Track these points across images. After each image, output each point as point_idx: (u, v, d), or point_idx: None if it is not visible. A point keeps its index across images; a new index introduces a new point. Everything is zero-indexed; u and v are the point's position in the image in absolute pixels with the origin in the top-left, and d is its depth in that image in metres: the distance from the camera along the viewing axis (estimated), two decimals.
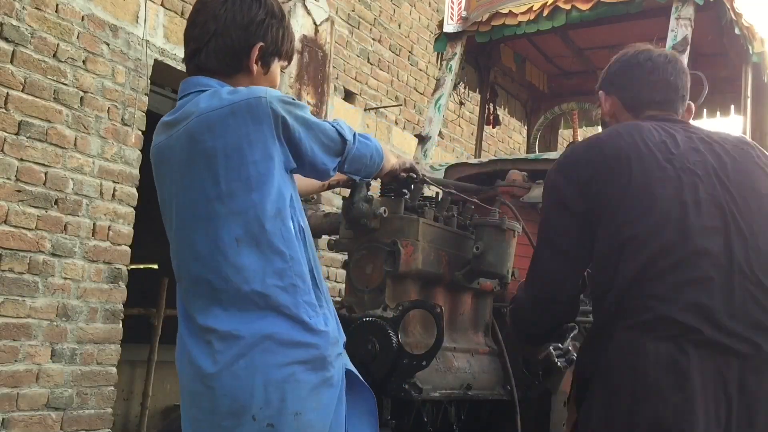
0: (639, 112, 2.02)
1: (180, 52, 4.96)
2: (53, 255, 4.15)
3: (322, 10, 2.85)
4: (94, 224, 4.38)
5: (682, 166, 1.79)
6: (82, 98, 4.33)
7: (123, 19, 4.61)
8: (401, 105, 7.32)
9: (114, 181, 4.50)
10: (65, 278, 4.20)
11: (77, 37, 4.33)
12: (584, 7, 3.68)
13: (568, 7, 3.73)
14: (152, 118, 5.17)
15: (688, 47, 3.38)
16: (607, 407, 1.67)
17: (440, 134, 4.78)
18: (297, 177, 1.81)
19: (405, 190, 2.37)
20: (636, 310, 1.68)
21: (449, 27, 4.11)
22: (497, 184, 3.17)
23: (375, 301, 2.29)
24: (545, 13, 3.80)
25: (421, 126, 4.83)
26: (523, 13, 3.87)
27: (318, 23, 2.82)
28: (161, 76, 5.09)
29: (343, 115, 6.49)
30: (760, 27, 3.94)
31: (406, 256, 2.27)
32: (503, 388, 2.61)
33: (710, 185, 1.77)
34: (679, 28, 3.42)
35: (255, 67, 1.78)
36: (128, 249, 4.60)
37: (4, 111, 3.96)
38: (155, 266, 13.19)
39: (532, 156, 3.73)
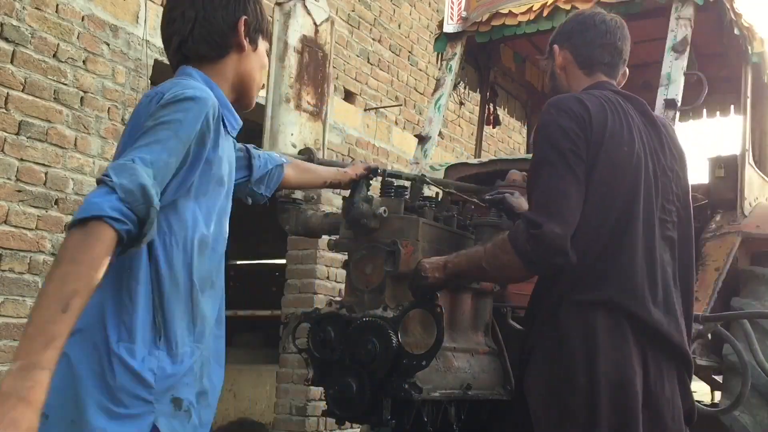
0: (589, 71, 2.21)
1: None
2: (53, 255, 4.15)
3: (322, 10, 2.85)
4: None
5: (641, 152, 2.03)
6: (82, 98, 4.33)
7: (123, 19, 4.61)
8: (401, 105, 7.32)
9: None
10: None
11: (77, 37, 4.33)
12: (584, 7, 3.68)
13: (568, 7, 3.73)
14: None
15: (688, 47, 3.38)
16: (567, 367, 1.90)
17: (440, 134, 4.78)
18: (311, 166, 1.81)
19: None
20: (589, 287, 1.93)
21: (449, 27, 4.11)
22: (497, 184, 3.17)
23: (375, 301, 2.30)
24: (545, 13, 3.80)
25: (421, 126, 4.83)
26: (523, 13, 3.87)
27: (318, 23, 2.82)
28: (161, 76, 5.09)
29: (343, 115, 6.50)
30: (759, 27, 3.95)
31: (406, 256, 2.27)
32: (503, 388, 2.61)
33: (657, 172, 2.06)
34: (679, 28, 3.42)
35: (245, 43, 1.73)
36: None
37: (5, 111, 3.96)
38: None
39: (532, 156, 3.73)
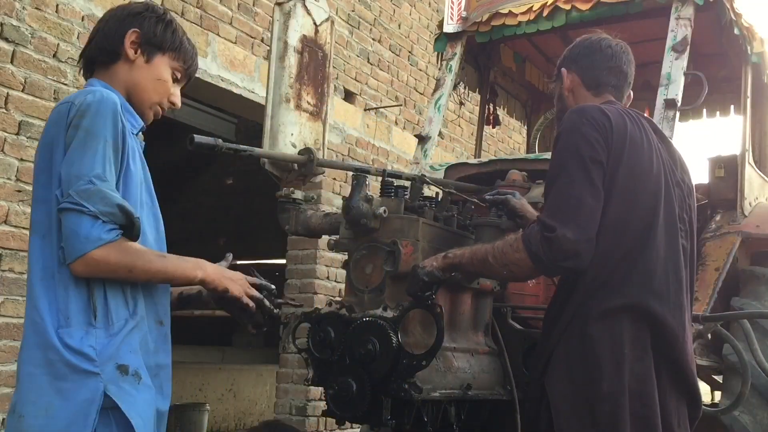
0: (596, 92, 2.29)
1: None
2: None
3: (322, 10, 2.85)
4: None
5: (659, 162, 2.10)
6: None
7: None
8: (401, 105, 7.32)
9: None
10: None
11: (77, 37, 4.33)
12: (584, 7, 3.68)
13: (568, 7, 3.73)
14: None
15: (688, 47, 3.38)
16: (593, 374, 1.95)
17: (440, 134, 4.78)
18: None
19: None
20: (613, 292, 1.99)
21: (449, 27, 4.11)
22: (497, 184, 3.17)
23: (375, 301, 2.30)
24: (545, 13, 3.80)
25: (421, 126, 4.83)
26: (523, 13, 3.87)
27: (318, 23, 2.82)
28: None
29: (343, 115, 6.50)
30: (759, 27, 3.94)
31: (406, 256, 2.27)
32: (503, 388, 2.61)
33: (672, 183, 2.14)
34: (679, 28, 3.42)
35: (131, 53, 1.83)
36: None
37: (5, 111, 3.96)
38: None
39: (532, 156, 3.73)
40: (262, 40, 5.63)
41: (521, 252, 1.99)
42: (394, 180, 2.55)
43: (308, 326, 2.37)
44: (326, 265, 6.16)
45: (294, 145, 2.72)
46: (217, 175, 12.23)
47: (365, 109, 6.84)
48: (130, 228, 1.64)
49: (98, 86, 1.77)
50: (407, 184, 2.61)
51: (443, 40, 4.16)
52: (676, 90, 3.27)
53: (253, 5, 5.67)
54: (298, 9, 2.74)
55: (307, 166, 2.68)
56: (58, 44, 4.22)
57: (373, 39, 7.01)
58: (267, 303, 2.04)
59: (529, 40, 4.49)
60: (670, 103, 3.24)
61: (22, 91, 4.04)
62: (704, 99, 3.42)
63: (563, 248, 1.92)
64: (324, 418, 5.98)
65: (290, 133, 2.73)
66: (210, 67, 5.20)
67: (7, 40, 3.98)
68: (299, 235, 2.95)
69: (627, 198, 2.01)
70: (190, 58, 1.95)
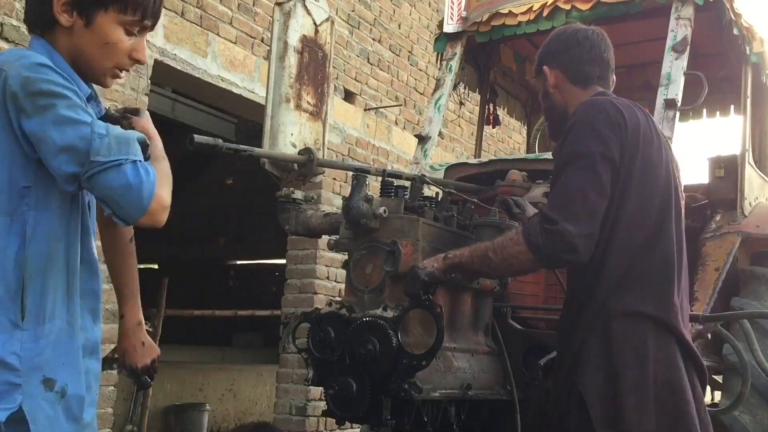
0: (584, 85, 2.26)
1: (180, 53, 4.96)
2: None
3: (322, 10, 2.85)
4: None
5: (665, 158, 2.14)
6: None
7: None
8: (401, 105, 7.32)
9: None
10: None
11: None
12: (584, 7, 3.68)
13: (568, 7, 3.73)
14: (152, 118, 5.16)
15: (688, 47, 3.38)
16: (617, 370, 1.97)
17: (440, 134, 4.77)
18: None
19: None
20: (632, 292, 2.02)
21: (449, 27, 4.11)
22: (497, 184, 3.17)
23: (375, 301, 2.30)
24: (545, 13, 3.80)
25: (421, 126, 4.83)
26: (523, 13, 3.87)
27: (318, 23, 2.82)
28: (161, 76, 5.09)
29: (343, 115, 6.50)
30: (759, 27, 3.94)
31: (406, 256, 2.27)
32: (503, 388, 2.61)
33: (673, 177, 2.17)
34: (679, 28, 3.42)
35: (63, 18, 1.56)
36: None
37: None
38: (155, 266, 13.22)
39: (532, 156, 3.73)
40: (262, 40, 5.63)
41: (521, 245, 2.01)
42: (394, 180, 2.55)
43: (308, 326, 2.37)
44: (326, 265, 6.16)
45: (294, 145, 2.73)
46: (217, 175, 12.24)
47: (365, 109, 6.84)
48: (144, 151, 1.55)
49: (38, 49, 1.57)
50: (407, 184, 2.61)
51: (443, 40, 4.16)
52: (676, 90, 3.27)
53: (253, 5, 5.67)
54: (298, 9, 2.74)
55: (307, 166, 2.68)
56: None
57: (373, 39, 7.01)
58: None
59: (529, 40, 4.48)
60: (670, 103, 3.24)
61: None
62: (704, 99, 3.42)
63: (564, 240, 1.94)
64: (324, 418, 5.98)
65: (290, 133, 2.73)
66: (210, 67, 5.20)
67: (7, 40, 3.98)
68: (299, 235, 2.95)
69: (644, 191, 2.04)
70: (142, 4, 1.61)
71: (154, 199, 1.48)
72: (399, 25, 7.40)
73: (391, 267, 2.27)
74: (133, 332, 1.98)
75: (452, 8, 4.11)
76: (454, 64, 4.06)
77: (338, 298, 2.53)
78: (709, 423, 2.10)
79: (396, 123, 7.28)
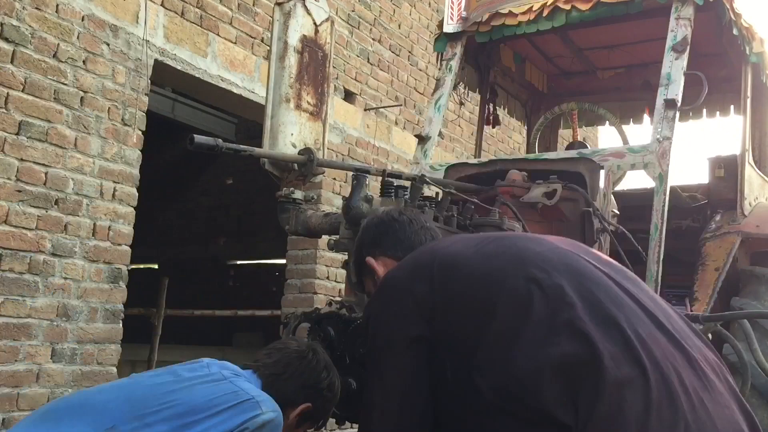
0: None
1: (180, 53, 4.96)
2: (53, 255, 4.15)
3: (322, 10, 2.85)
4: (94, 224, 4.38)
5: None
6: (82, 98, 4.33)
7: (123, 19, 4.61)
8: (401, 105, 7.32)
9: (114, 181, 4.50)
10: (65, 278, 4.20)
11: (77, 37, 4.33)
12: (584, 7, 3.68)
13: (567, 7, 3.73)
14: (152, 118, 5.18)
15: (688, 47, 3.38)
16: None
17: (440, 134, 4.77)
18: None
19: None
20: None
21: (449, 27, 4.11)
22: (497, 184, 3.17)
23: None
24: (545, 13, 3.80)
25: (421, 126, 4.83)
26: (523, 13, 3.87)
27: (318, 23, 2.82)
28: (161, 76, 5.09)
29: (343, 115, 6.50)
30: (759, 27, 3.94)
31: None
32: None
33: None
34: (679, 28, 3.42)
35: (294, 422, 1.98)
36: (128, 249, 4.60)
37: (5, 111, 3.96)
38: (155, 266, 13.22)
39: (532, 156, 3.73)
40: (262, 40, 5.63)
41: None
42: (394, 180, 2.55)
43: (308, 326, 2.37)
44: (326, 265, 6.16)
45: (294, 145, 2.73)
46: (217, 175, 12.23)
47: (365, 109, 6.84)
48: None
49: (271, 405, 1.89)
50: (407, 184, 2.61)
51: (443, 40, 4.16)
52: (676, 90, 3.27)
53: (253, 5, 5.67)
54: (298, 9, 2.74)
55: (307, 166, 2.68)
56: (58, 44, 4.22)
57: (373, 39, 7.01)
58: None
59: (529, 40, 4.49)
60: (670, 103, 3.24)
61: (22, 91, 4.04)
62: (704, 99, 3.42)
63: None
64: None
65: (290, 133, 2.73)
66: (210, 67, 5.20)
67: (7, 40, 3.98)
68: (299, 235, 2.95)
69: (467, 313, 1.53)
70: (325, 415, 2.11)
71: None
72: (399, 25, 7.40)
73: None
74: None
75: (452, 8, 4.11)
76: (454, 64, 4.06)
77: (338, 298, 2.53)
78: None
79: (396, 123, 7.28)
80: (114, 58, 4.51)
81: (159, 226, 12.30)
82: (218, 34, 5.31)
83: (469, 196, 2.83)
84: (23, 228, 4.01)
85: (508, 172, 3.22)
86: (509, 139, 9.06)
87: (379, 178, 2.65)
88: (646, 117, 5.02)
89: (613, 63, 4.87)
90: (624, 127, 4.72)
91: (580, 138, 5.22)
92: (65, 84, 4.25)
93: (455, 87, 4.22)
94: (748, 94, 3.99)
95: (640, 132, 11.76)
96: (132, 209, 4.61)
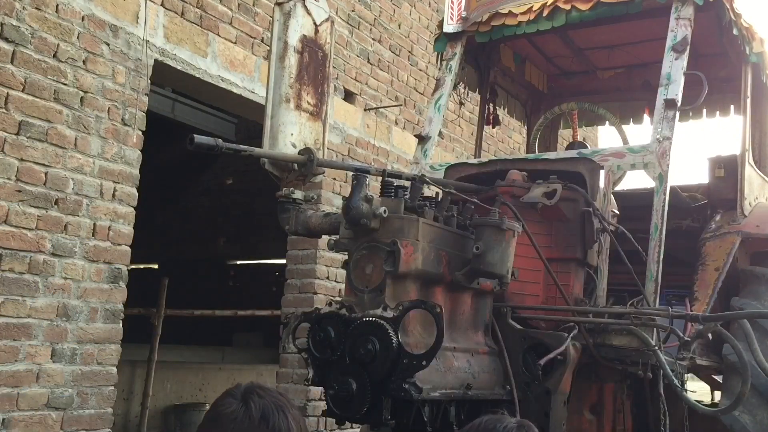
0: None
1: (180, 53, 4.96)
2: (53, 255, 4.15)
3: (322, 10, 2.85)
4: (94, 224, 4.38)
5: None
6: (82, 98, 4.33)
7: (123, 19, 4.60)
8: (401, 105, 7.32)
9: (114, 181, 4.50)
10: (65, 278, 4.20)
11: (77, 37, 4.33)
12: (584, 7, 3.68)
13: (567, 7, 3.73)
14: (152, 118, 5.18)
15: (688, 47, 3.38)
16: None
17: (440, 134, 4.77)
18: None
19: None
20: None
21: (449, 27, 4.11)
22: (497, 184, 3.17)
23: (375, 301, 2.30)
24: (545, 13, 3.80)
25: (421, 126, 4.83)
26: (523, 13, 3.87)
27: (318, 23, 2.82)
28: (161, 76, 5.09)
29: (343, 115, 6.50)
30: (759, 27, 3.94)
31: (406, 256, 2.27)
32: (503, 388, 2.61)
33: None
34: (679, 28, 3.42)
35: None
36: (128, 249, 4.60)
37: (5, 111, 3.96)
38: (155, 266, 13.22)
39: (532, 156, 3.73)
40: (262, 40, 5.63)
41: None
42: (394, 180, 2.55)
43: (308, 326, 2.37)
44: (326, 265, 6.16)
45: (294, 145, 2.72)
46: (217, 175, 12.24)
47: (365, 109, 6.84)
48: None
49: None
50: (407, 184, 2.61)
51: (443, 40, 4.16)
52: (676, 90, 3.27)
53: (253, 5, 5.67)
54: (298, 9, 2.74)
55: (307, 166, 2.68)
56: (58, 44, 4.22)
57: (373, 39, 7.01)
58: None
59: (529, 40, 4.49)
60: (670, 103, 3.24)
61: (22, 91, 4.04)
62: (704, 99, 3.42)
63: None
64: (324, 418, 5.98)
65: (290, 133, 2.73)
66: (210, 67, 5.20)
67: (7, 40, 3.98)
68: (299, 235, 2.95)
69: None
70: None
71: None
72: (399, 25, 7.40)
73: (391, 267, 2.27)
74: None
75: (452, 8, 4.11)
76: (454, 64, 4.06)
77: (338, 298, 2.53)
78: None
79: (396, 123, 7.28)
80: (114, 58, 4.51)
81: (159, 226, 12.30)
82: (218, 34, 5.31)
83: (469, 196, 2.83)
84: (23, 228, 4.01)
85: (508, 172, 3.21)
86: (509, 139, 9.06)
87: (379, 178, 2.65)
88: (646, 117, 5.02)
89: (613, 63, 4.87)
90: (624, 127, 4.72)
91: (580, 138, 5.22)
92: (65, 84, 4.25)
93: (455, 87, 4.22)
94: (748, 94, 3.98)
95: (640, 132, 11.78)
96: (132, 209, 4.61)
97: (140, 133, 4.68)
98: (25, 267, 4.02)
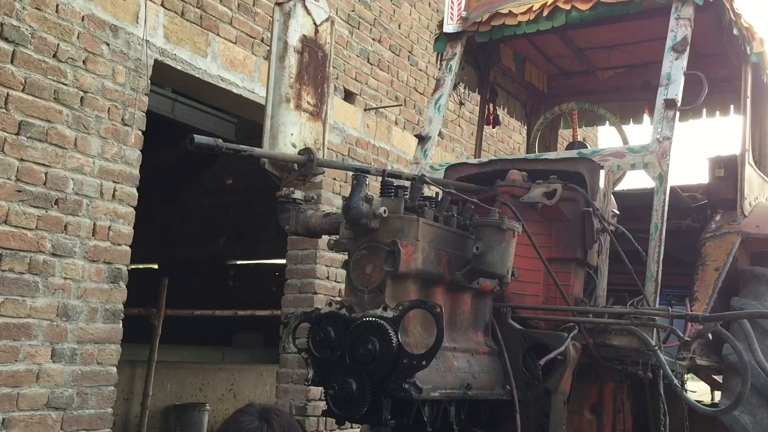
0: None
1: (180, 53, 4.96)
2: (53, 255, 4.15)
3: (322, 10, 2.85)
4: (94, 224, 4.38)
5: None
6: (82, 98, 4.33)
7: (123, 19, 4.61)
8: (401, 105, 7.32)
9: (114, 181, 4.50)
10: (65, 278, 4.20)
11: (77, 37, 4.33)
12: (584, 7, 3.68)
13: (567, 7, 3.73)
14: (152, 118, 5.18)
15: (688, 47, 3.38)
16: None
17: (440, 134, 4.77)
18: None
19: None
20: None
21: (449, 27, 4.11)
22: (497, 184, 3.17)
23: (375, 301, 2.30)
24: (545, 13, 3.80)
25: (421, 126, 4.83)
26: (523, 13, 3.87)
27: (318, 23, 2.82)
28: (161, 76, 5.09)
29: (342, 115, 6.50)
30: (759, 27, 3.94)
31: (406, 256, 2.27)
32: (503, 388, 2.61)
33: None
34: (679, 28, 3.42)
35: None
36: (128, 249, 4.60)
37: (5, 111, 3.96)
38: (155, 266, 13.22)
39: (532, 156, 3.73)
40: (262, 40, 5.64)
41: None
42: (394, 180, 2.55)
43: (308, 326, 2.37)
44: (326, 265, 6.16)
45: (294, 145, 2.72)
46: (217, 175, 12.24)
47: (365, 109, 6.84)
48: None
49: None
50: (407, 184, 2.61)
51: (443, 40, 4.16)
52: (676, 90, 3.27)
53: (253, 5, 5.67)
54: (298, 9, 2.74)
55: (307, 166, 2.68)
56: (58, 44, 4.22)
57: (373, 39, 7.01)
58: None
59: (529, 40, 4.48)
60: (670, 103, 3.24)
61: (22, 91, 4.04)
62: (704, 99, 3.42)
63: None
64: (324, 418, 5.98)
65: (290, 133, 2.73)
66: (210, 67, 5.20)
67: (7, 40, 3.98)
68: (299, 235, 2.95)
69: None
70: None
71: None
72: (399, 25, 7.40)
73: (391, 267, 2.27)
74: None
75: (452, 8, 4.11)
76: (454, 64, 4.06)
77: (338, 298, 2.53)
78: None
79: (396, 123, 7.28)
80: (114, 58, 4.51)
81: (159, 226, 12.30)
82: (218, 34, 5.31)
83: (469, 196, 2.83)
84: (23, 228, 4.01)
85: (508, 172, 3.21)
86: (509, 139, 9.06)
87: (379, 178, 2.65)
88: (646, 117, 5.02)
89: (613, 63, 4.87)
90: (624, 127, 4.72)
91: (580, 138, 5.21)
92: (65, 84, 4.25)
93: (455, 87, 4.21)
94: (748, 94, 3.98)
95: (640, 132, 11.77)
96: (132, 209, 4.61)
97: (140, 133, 4.68)
98: (25, 267, 4.02)
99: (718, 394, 4.32)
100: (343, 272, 2.69)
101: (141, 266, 12.35)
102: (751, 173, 4.01)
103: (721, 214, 3.96)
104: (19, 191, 4.01)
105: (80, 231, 4.30)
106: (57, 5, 4.23)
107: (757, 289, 3.78)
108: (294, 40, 2.74)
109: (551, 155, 3.57)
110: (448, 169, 3.69)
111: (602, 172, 3.26)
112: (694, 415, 3.30)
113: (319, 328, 2.31)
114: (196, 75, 5.11)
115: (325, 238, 2.69)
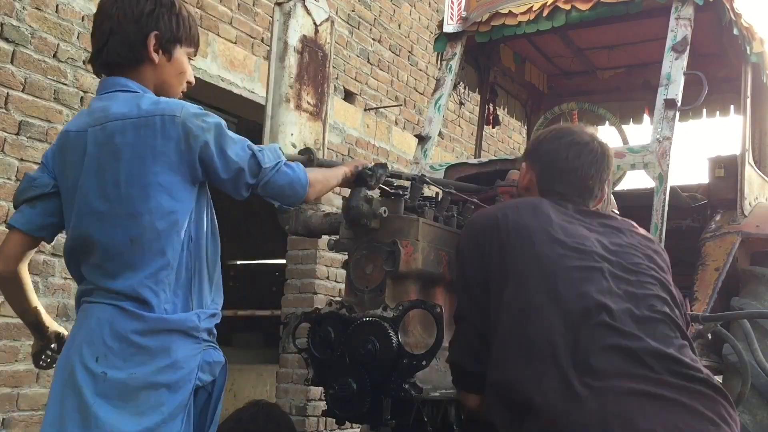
0: (546, 197, 2.11)
1: None
2: (53, 255, 4.14)
3: (322, 10, 2.85)
4: None
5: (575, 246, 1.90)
6: (82, 98, 4.33)
7: None
8: (401, 105, 7.32)
9: None
10: (65, 278, 4.20)
11: (77, 37, 4.33)
12: (584, 7, 3.68)
13: (567, 7, 3.73)
14: None
15: (688, 47, 3.38)
16: None
17: (440, 134, 4.77)
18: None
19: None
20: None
21: (449, 27, 4.11)
22: (497, 184, 3.17)
23: (375, 301, 2.29)
24: (545, 13, 3.80)
25: (421, 126, 4.83)
26: (523, 13, 3.87)
27: (318, 23, 2.82)
28: None
29: (342, 115, 6.50)
30: (759, 27, 3.95)
31: (406, 256, 2.27)
32: None
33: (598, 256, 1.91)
34: (679, 28, 3.42)
35: (156, 56, 1.89)
36: None
37: (5, 111, 3.96)
38: None
39: None
40: (262, 40, 5.64)
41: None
42: (394, 180, 2.55)
43: (308, 326, 2.37)
44: (326, 265, 6.16)
45: (294, 145, 2.72)
46: None
47: (365, 109, 6.84)
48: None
49: (137, 88, 1.86)
50: (407, 184, 2.61)
51: (443, 40, 4.16)
52: (676, 90, 3.27)
53: (253, 5, 5.67)
54: (298, 9, 2.74)
55: (307, 166, 2.67)
56: (58, 44, 4.22)
57: (373, 39, 7.01)
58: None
59: (529, 40, 4.49)
60: (670, 103, 3.24)
61: (22, 91, 4.04)
62: (704, 99, 3.42)
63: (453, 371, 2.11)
64: (324, 418, 5.98)
65: (290, 133, 2.73)
66: (210, 67, 5.20)
67: (7, 40, 3.98)
68: (299, 235, 2.94)
69: (520, 282, 1.85)
70: (196, 36, 2.00)
71: (310, 183, 1.99)
72: (399, 25, 7.40)
73: (391, 267, 2.27)
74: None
75: (452, 8, 4.11)
76: (454, 64, 4.06)
77: (338, 298, 2.53)
78: None
79: (396, 123, 7.28)
80: None
81: None
82: (218, 34, 5.31)
83: (469, 196, 2.83)
84: None
85: (508, 172, 3.21)
86: (509, 139, 9.06)
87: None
88: (646, 117, 5.02)
89: (613, 63, 4.88)
90: (624, 127, 4.72)
91: None
92: (65, 84, 4.25)
93: (455, 87, 4.22)
94: (748, 94, 3.99)
95: (640, 132, 11.77)
96: None
97: None
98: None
99: None
100: (343, 272, 2.70)
101: None
102: (751, 173, 4.02)
103: (721, 214, 3.96)
104: None
105: None
106: (57, 5, 4.23)
107: (757, 289, 3.79)
108: (294, 40, 2.74)
109: None
110: (448, 169, 3.69)
111: None
112: None
113: (319, 328, 2.31)
114: (196, 75, 5.10)
115: (325, 238, 2.69)
